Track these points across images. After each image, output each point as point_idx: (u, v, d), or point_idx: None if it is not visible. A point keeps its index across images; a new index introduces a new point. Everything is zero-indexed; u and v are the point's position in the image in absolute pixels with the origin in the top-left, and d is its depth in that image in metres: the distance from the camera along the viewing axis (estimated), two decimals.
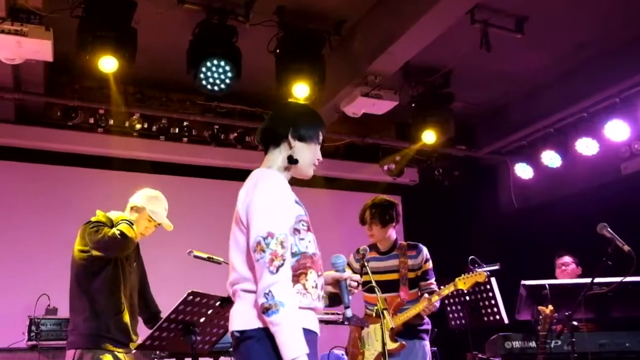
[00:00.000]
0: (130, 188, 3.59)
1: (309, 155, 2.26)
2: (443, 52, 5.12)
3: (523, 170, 6.56)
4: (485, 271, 3.63)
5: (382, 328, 3.05)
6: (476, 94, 6.19)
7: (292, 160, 2.23)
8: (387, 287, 3.66)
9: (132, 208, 3.46)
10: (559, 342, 3.93)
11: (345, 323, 3.58)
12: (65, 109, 5.66)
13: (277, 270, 1.95)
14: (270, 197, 2.06)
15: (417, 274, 3.73)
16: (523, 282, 4.01)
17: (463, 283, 3.61)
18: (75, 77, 5.65)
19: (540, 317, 3.66)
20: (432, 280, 3.76)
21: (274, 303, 1.92)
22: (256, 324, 1.99)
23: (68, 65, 5.02)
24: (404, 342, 3.53)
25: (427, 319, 3.75)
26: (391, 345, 3.49)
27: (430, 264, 3.76)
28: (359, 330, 3.77)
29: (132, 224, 3.33)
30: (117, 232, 3.21)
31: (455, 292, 3.92)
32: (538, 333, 3.69)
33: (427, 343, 3.70)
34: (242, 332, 2.03)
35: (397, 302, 3.63)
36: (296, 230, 2.09)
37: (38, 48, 4.22)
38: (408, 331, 3.60)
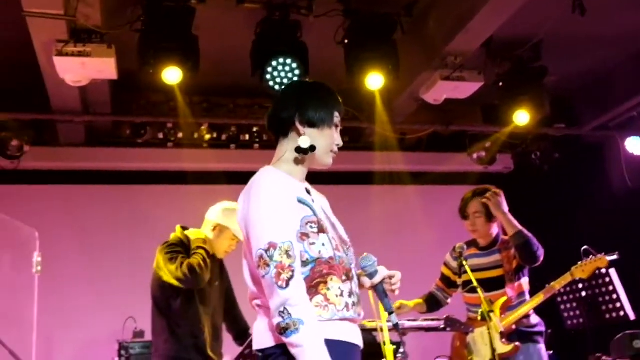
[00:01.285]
0: (206, 201, 3.69)
1: (322, 142, 2.09)
2: (530, 21, 4.92)
3: (636, 145, 6.23)
4: (604, 256, 3.45)
5: (489, 332, 2.96)
6: (572, 64, 5.91)
7: (301, 151, 2.06)
8: (491, 285, 3.56)
9: (214, 227, 3.52)
10: None
11: (447, 329, 3.52)
12: (134, 126, 5.93)
13: (287, 284, 1.83)
14: (264, 203, 1.92)
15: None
16: None
17: (581, 271, 3.45)
18: (141, 92, 5.88)
19: None
20: None
21: (291, 322, 1.80)
22: (275, 340, 1.91)
23: (132, 81, 5.24)
24: (518, 344, 3.41)
25: (539, 320, 3.61)
26: (504, 349, 3.38)
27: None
28: (461, 337, 3.69)
29: (208, 254, 3.38)
30: (187, 270, 3.26)
31: (569, 288, 3.76)
32: None
33: (542, 346, 3.57)
34: (262, 351, 1.97)
35: (504, 300, 3.52)
36: (304, 235, 1.93)
37: (102, 67, 4.42)
38: (520, 334, 3.48)
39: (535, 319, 3.61)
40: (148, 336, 4.78)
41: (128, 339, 4.88)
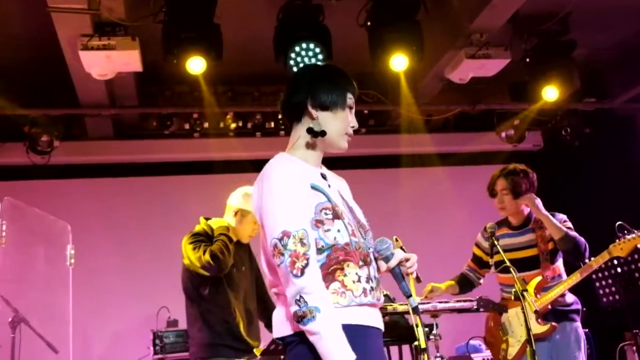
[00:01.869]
0: (233, 190, 3.71)
1: (336, 124, 2.04)
2: None
3: None
4: None
5: (524, 312, 2.94)
6: (602, 36, 5.77)
7: (314, 133, 2.02)
8: (526, 264, 3.52)
9: (235, 213, 3.56)
10: None
11: (481, 310, 3.50)
12: (160, 117, 5.99)
13: (302, 272, 1.82)
14: (276, 192, 1.91)
15: None
16: None
17: (620, 249, 3.39)
18: (166, 83, 5.94)
19: None
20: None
21: (308, 310, 1.80)
22: (293, 328, 1.91)
23: (157, 73, 5.29)
24: (554, 323, 3.38)
25: (575, 298, 3.57)
26: (540, 329, 3.35)
27: (570, 224, 3.56)
28: (495, 318, 3.67)
29: (230, 239, 3.43)
30: (209, 257, 3.31)
31: (604, 265, 3.70)
32: None
33: (579, 325, 3.53)
34: (282, 339, 1.97)
35: (539, 280, 3.48)
36: (319, 222, 1.92)
37: (127, 59, 4.47)
38: (556, 313, 3.45)
39: (570, 297, 3.57)
40: (182, 325, 4.87)
41: (162, 328, 4.96)
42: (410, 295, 1.98)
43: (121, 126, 6.12)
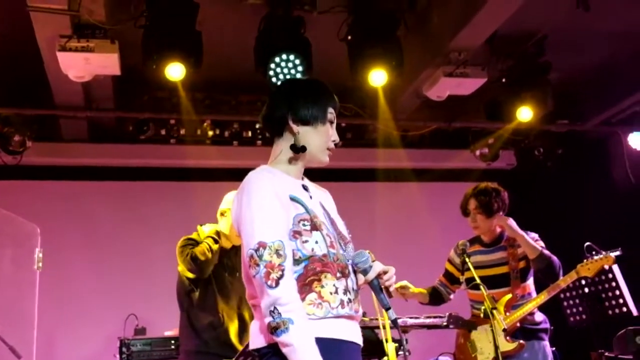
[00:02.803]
0: (208, 198, 3.71)
1: (317, 139, 2.06)
2: (534, 16, 4.91)
3: (639, 140, 6.22)
4: (609, 254, 3.45)
5: (492, 329, 2.97)
6: (576, 60, 5.89)
7: (297, 149, 2.04)
8: (496, 282, 3.57)
9: (221, 214, 3.59)
10: None
11: (451, 326, 3.52)
12: (137, 122, 5.93)
13: (277, 283, 1.83)
14: (254, 203, 1.92)
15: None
16: None
17: (587, 269, 3.45)
18: (144, 88, 5.88)
19: None
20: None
21: (281, 321, 1.81)
22: (267, 340, 1.92)
23: (135, 77, 5.24)
24: (522, 342, 3.42)
25: (544, 317, 3.62)
26: (508, 346, 3.39)
27: (542, 243, 3.61)
28: (465, 334, 3.69)
29: (217, 241, 3.50)
30: (190, 259, 3.42)
31: (572, 285, 3.76)
32: None
33: (546, 343, 3.58)
34: (257, 350, 1.97)
35: (509, 298, 3.52)
36: (297, 233, 1.93)
37: (106, 63, 4.43)
38: (525, 332, 3.49)
39: (539, 316, 3.61)
40: (150, 333, 4.80)
41: (129, 336, 4.88)
42: (389, 308, 1.99)
43: (96, 129, 6.05)
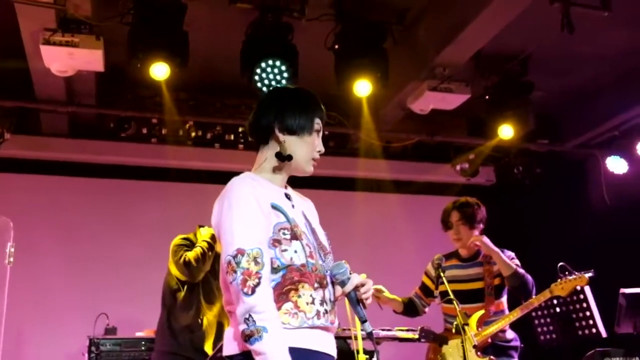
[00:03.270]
0: (187, 199, 3.70)
1: (303, 149, 2.06)
2: (519, 36, 4.98)
3: (616, 164, 6.30)
4: (584, 275, 3.48)
5: (463, 345, 2.98)
6: (558, 81, 5.98)
7: (282, 157, 2.04)
8: (470, 297, 3.58)
9: None
10: None
11: (422, 340, 3.53)
12: (118, 119, 5.88)
13: (253, 291, 1.82)
14: (234, 210, 1.91)
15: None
16: (622, 290, 3.83)
17: (561, 289, 3.47)
18: (127, 86, 5.84)
19: None
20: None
21: (255, 329, 1.80)
22: (240, 348, 1.91)
23: (119, 74, 5.20)
24: (493, 358, 3.43)
25: (515, 335, 3.64)
26: None
27: (517, 262, 3.64)
28: (436, 349, 3.70)
29: (212, 247, 3.50)
30: (182, 263, 3.43)
31: (544, 304, 3.78)
32: None
33: None
34: (229, 357, 1.96)
35: (482, 314, 3.53)
36: (276, 242, 1.93)
37: (89, 58, 4.39)
38: (495, 348, 3.51)
39: (510, 333, 3.63)
40: (120, 333, 4.75)
41: (99, 335, 4.82)
42: (366, 321, 1.98)
43: (77, 124, 5.98)
